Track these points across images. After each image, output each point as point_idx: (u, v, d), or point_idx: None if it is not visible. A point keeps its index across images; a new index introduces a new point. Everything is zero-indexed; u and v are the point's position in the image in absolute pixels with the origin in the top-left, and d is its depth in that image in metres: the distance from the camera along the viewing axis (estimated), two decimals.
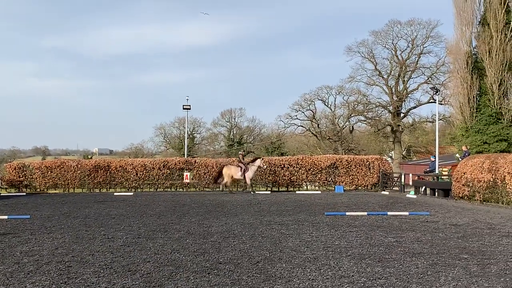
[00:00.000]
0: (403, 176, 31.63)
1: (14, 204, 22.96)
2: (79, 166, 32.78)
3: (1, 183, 32.77)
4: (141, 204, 22.12)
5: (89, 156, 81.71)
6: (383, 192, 30.67)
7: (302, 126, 74.60)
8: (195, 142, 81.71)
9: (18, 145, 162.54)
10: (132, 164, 33.13)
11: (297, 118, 73.42)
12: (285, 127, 74.75)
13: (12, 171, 32.42)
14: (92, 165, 32.97)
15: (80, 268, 8.69)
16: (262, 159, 31.28)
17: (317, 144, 73.17)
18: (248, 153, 76.46)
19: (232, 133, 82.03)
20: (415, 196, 27.26)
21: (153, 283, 7.63)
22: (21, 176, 32.44)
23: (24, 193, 30.91)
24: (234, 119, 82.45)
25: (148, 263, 9.09)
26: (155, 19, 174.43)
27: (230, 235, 12.40)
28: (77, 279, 7.90)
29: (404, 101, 65.88)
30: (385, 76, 66.35)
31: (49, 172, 32.52)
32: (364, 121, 69.94)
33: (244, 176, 29.95)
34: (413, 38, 63.96)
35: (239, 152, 36.23)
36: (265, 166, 30.72)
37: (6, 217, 16.26)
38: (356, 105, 68.10)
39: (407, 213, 17.26)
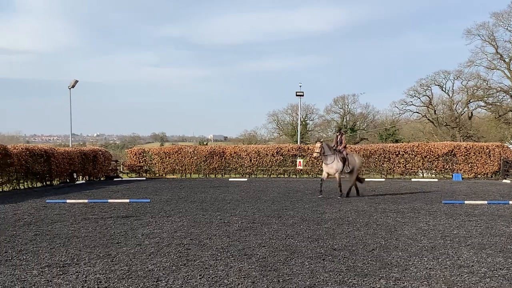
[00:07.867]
0: None
1: (135, 188, 24.07)
2: (195, 152, 33.77)
3: (122, 167, 34.46)
4: (255, 190, 22.47)
5: (205, 143, 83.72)
6: (504, 181, 29.30)
7: (417, 112, 72.49)
8: (307, 129, 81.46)
9: (138, 131, 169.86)
10: (246, 151, 33.71)
11: (412, 104, 71.42)
12: (399, 113, 72.97)
13: (133, 156, 34.01)
14: (207, 151, 33.87)
15: (198, 251, 8.96)
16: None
17: (434, 130, 70.79)
18: (361, 140, 75.30)
19: (345, 119, 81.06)
20: None
21: (268, 267, 7.73)
22: (141, 161, 33.94)
23: (144, 178, 32.26)
24: (347, 105, 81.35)
25: (263, 247, 9.21)
26: (268, 7, 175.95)
27: (344, 222, 12.32)
28: (196, 261, 8.16)
29: None
30: (507, 60, 62.86)
31: (167, 158, 33.77)
32: (484, 106, 66.78)
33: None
34: None
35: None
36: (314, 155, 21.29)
37: (128, 200, 17.15)
38: (475, 90, 65.13)
39: None
